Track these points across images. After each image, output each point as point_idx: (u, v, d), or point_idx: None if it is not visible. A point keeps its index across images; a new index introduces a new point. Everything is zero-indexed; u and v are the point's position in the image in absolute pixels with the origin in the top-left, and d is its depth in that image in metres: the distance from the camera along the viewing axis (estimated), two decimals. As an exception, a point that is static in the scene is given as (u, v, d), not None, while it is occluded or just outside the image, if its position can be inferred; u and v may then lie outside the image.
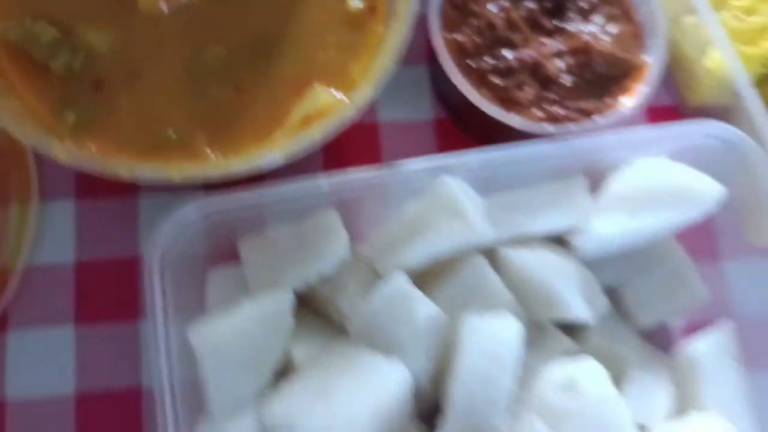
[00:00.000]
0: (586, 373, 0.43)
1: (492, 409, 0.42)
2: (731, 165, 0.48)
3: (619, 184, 0.47)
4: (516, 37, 0.51)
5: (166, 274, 0.44)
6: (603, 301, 0.47)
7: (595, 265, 0.49)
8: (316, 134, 0.42)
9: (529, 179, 0.47)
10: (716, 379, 0.47)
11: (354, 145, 0.55)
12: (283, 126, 0.43)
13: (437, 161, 0.46)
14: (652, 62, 0.52)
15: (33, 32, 0.44)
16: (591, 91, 0.51)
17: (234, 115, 0.44)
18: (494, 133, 0.50)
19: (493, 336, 0.43)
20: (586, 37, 0.52)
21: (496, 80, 0.51)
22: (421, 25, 0.49)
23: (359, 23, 0.45)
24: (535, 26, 0.52)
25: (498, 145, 0.47)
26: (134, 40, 0.44)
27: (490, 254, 0.47)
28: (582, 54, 0.51)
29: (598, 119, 0.50)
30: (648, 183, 0.46)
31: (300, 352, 0.45)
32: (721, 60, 0.54)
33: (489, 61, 0.51)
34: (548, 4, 0.53)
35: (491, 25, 0.51)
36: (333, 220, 0.46)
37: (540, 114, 0.50)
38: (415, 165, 0.46)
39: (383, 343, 0.44)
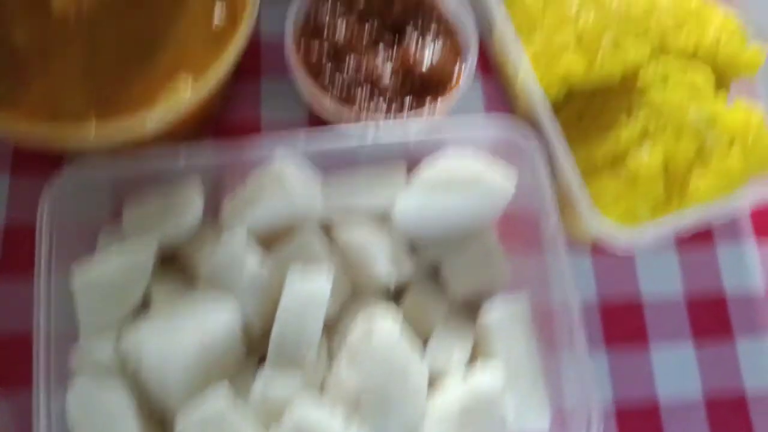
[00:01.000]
0: (380, 325, 0.51)
1: (303, 344, 0.51)
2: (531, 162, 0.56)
3: (428, 170, 0.55)
4: (357, 48, 0.60)
5: (55, 230, 0.51)
6: (408, 265, 0.56)
7: (421, 243, 0.58)
8: (163, 111, 0.53)
9: (360, 161, 0.56)
10: (506, 339, 0.54)
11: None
12: (155, 103, 0.54)
13: (282, 140, 0.54)
14: (464, 74, 0.61)
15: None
16: (414, 94, 0.60)
17: (119, 95, 0.54)
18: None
19: (307, 287, 0.51)
20: (413, 50, 0.61)
21: (337, 84, 0.60)
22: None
23: (220, 34, 0.56)
24: (377, 39, 0.62)
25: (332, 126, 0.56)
26: (46, 36, 0.55)
27: (328, 227, 0.57)
28: (409, 64, 0.60)
29: (419, 116, 0.59)
30: (449, 171, 0.54)
31: (158, 294, 0.53)
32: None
33: (333, 68, 0.60)
34: (389, 21, 0.62)
35: (337, 39, 0.61)
36: (193, 187, 0.54)
37: (372, 113, 0.59)
38: (265, 143, 0.55)
39: (223, 288, 0.52)
